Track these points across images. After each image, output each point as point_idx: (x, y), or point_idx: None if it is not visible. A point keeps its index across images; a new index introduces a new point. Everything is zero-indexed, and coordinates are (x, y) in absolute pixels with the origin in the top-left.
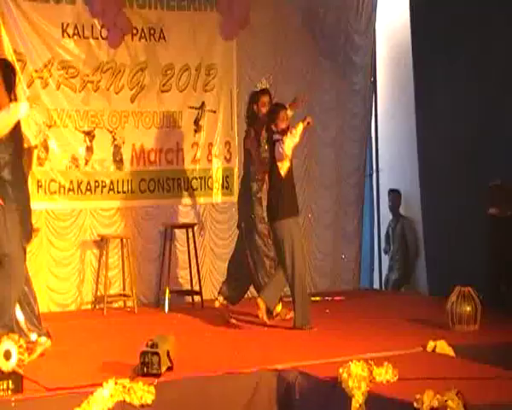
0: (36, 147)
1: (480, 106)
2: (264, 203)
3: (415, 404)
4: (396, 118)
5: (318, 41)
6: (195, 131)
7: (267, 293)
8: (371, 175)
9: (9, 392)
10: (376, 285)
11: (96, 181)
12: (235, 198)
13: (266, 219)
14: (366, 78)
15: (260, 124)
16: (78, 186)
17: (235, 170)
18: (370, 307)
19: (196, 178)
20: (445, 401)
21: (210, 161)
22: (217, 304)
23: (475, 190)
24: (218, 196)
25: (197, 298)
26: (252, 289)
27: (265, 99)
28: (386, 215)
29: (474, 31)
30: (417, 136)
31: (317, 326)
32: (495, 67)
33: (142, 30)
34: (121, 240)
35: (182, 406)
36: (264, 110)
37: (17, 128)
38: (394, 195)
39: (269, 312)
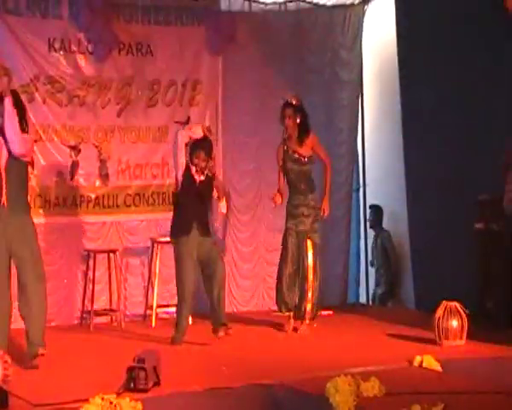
0: None
1: (467, 120)
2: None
3: None
4: (383, 132)
5: (305, 57)
6: None
7: None
8: (358, 190)
9: None
10: (363, 300)
11: (82, 196)
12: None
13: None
14: (353, 93)
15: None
16: (64, 201)
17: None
18: (357, 322)
19: None
20: None
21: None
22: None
23: (462, 204)
24: None
25: None
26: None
27: (287, 112)
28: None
29: (461, 46)
30: (404, 150)
31: (305, 341)
32: (482, 81)
33: (129, 45)
34: (107, 254)
35: None
36: (287, 122)
37: None
38: (374, 210)
39: None
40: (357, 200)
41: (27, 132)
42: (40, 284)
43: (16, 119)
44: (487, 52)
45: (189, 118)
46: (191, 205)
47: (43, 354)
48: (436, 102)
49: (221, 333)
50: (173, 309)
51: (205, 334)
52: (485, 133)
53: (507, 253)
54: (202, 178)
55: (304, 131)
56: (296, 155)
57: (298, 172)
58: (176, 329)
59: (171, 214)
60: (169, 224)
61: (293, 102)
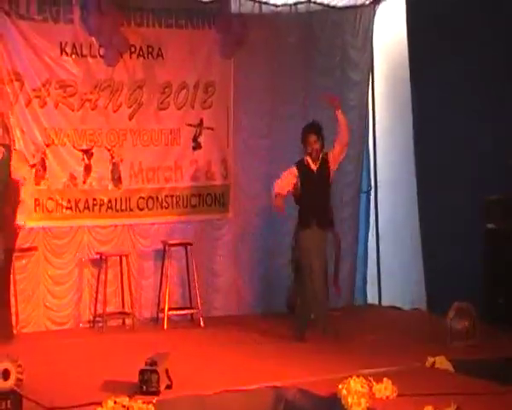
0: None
1: (478, 120)
2: None
3: None
4: (394, 133)
5: (315, 58)
6: (194, 148)
7: None
8: (369, 191)
9: None
10: (370, 301)
11: (94, 199)
12: (230, 215)
13: None
14: (363, 94)
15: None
16: (76, 204)
17: (231, 187)
18: (369, 324)
19: (195, 196)
20: None
21: (208, 178)
22: None
23: (474, 204)
24: (214, 214)
25: (196, 315)
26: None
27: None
28: (384, 231)
29: (472, 46)
30: (415, 151)
31: (314, 342)
32: (492, 80)
33: (140, 48)
34: (119, 258)
35: None
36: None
37: None
38: None
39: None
40: (368, 201)
41: None
42: None
43: None
44: (499, 51)
45: (201, 120)
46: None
47: None
48: (447, 102)
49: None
50: (185, 312)
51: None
52: (498, 133)
53: None
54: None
55: None
56: None
57: None
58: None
59: (183, 218)
60: (181, 227)
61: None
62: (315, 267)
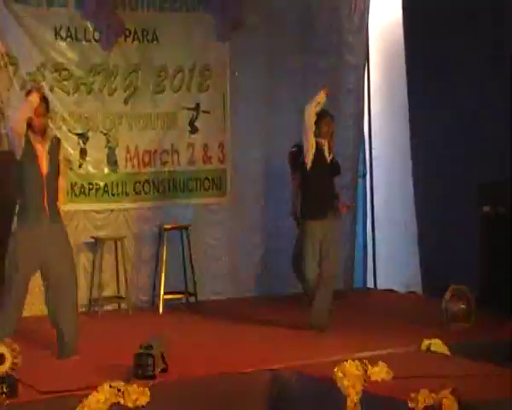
0: None
1: (474, 105)
2: None
3: (409, 403)
4: (389, 117)
5: (311, 41)
6: (191, 132)
7: None
8: (365, 175)
9: (4, 396)
10: (370, 284)
11: (91, 183)
12: (227, 199)
13: None
14: (359, 77)
15: None
16: (72, 188)
17: (228, 171)
18: (364, 307)
19: (192, 179)
20: (440, 399)
21: (205, 162)
22: None
23: (469, 188)
24: (211, 198)
25: (192, 299)
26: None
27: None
28: (380, 215)
29: (468, 30)
30: (411, 135)
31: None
32: (486, 65)
33: (135, 31)
34: (115, 242)
35: (177, 407)
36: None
37: None
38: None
39: None
40: (364, 186)
41: None
42: None
43: None
44: (498, 35)
45: (198, 104)
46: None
47: None
48: (442, 85)
49: None
50: (181, 296)
51: (214, 320)
52: (493, 117)
53: None
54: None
55: None
56: None
57: None
58: None
59: (180, 201)
60: (178, 211)
61: None
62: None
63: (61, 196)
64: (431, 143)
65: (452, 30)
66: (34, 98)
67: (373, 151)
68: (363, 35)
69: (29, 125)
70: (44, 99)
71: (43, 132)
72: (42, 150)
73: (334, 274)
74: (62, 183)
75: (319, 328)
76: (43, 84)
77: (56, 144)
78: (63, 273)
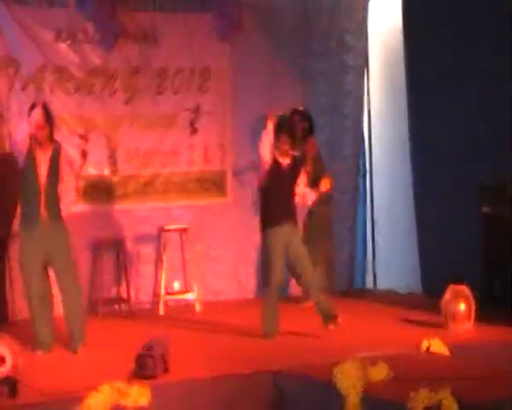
0: None
1: (474, 103)
2: None
3: (409, 403)
4: (389, 118)
5: (311, 42)
6: (191, 133)
7: None
8: (364, 175)
9: (5, 397)
10: (369, 285)
11: (91, 185)
12: (228, 200)
13: None
14: (359, 79)
15: None
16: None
17: (229, 172)
18: (364, 307)
19: (192, 181)
20: (440, 399)
21: (206, 163)
22: None
23: (468, 188)
24: (212, 199)
25: (192, 300)
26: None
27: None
28: (379, 215)
29: (468, 30)
30: (410, 136)
31: (310, 326)
32: (486, 66)
33: (135, 33)
34: (116, 243)
35: (177, 408)
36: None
37: None
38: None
39: None
40: (364, 186)
41: None
42: None
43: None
44: (497, 34)
45: (198, 105)
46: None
47: None
48: (442, 86)
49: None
50: (181, 297)
51: (214, 321)
52: (493, 117)
53: None
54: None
55: None
56: None
57: None
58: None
59: (181, 203)
60: (178, 212)
61: None
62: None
63: (72, 195)
64: (431, 144)
65: (451, 30)
66: (36, 114)
67: (373, 151)
68: (362, 36)
69: (32, 136)
70: (47, 110)
71: (45, 142)
72: (42, 158)
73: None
74: (71, 184)
75: (331, 317)
76: (44, 86)
77: (58, 151)
78: (62, 270)
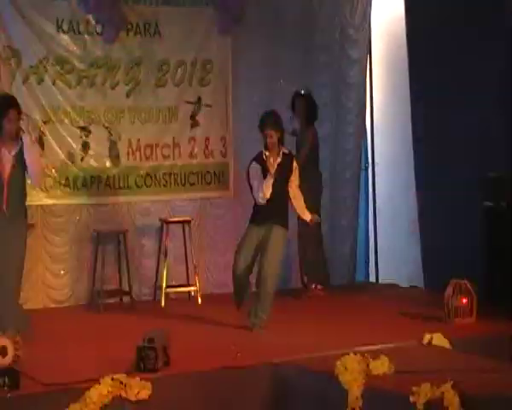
0: None
1: (476, 97)
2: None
3: (411, 397)
4: (392, 111)
5: (314, 35)
6: (192, 125)
7: None
8: (367, 169)
9: (6, 388)
10: (371, 279)
11: (92, 177)
12: (230, 193)
13: None
14: (361, 72)
15: None
16: (74, 182)
17: (231, 165)
18: (366, 301)
19: (193, 173)
20: (442, 393)
21: (207, 155)
22: None
23: (471, 182)
24: (213, 191)
25: (194, 292)
26: None
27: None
28: (381, 209)
29: (472, 25)
30: (413, 129)
31: (313, 320)
32: (492, 58)
33: (137, 25)
34: (117, 236)
35: (178, 401)
36: None
37: None
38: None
39: None
40: (366, 179)
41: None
42: None
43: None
44: (498, 27)
45: (199, 98)
46: None
47: None
48: (445, 79)
49: None
50: (183, 290)
51: (216, 313)
52: (496, 110)
53: None
54: (279, 160)
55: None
56: None
57: None
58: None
59: (182, 195)
60: (180, 204)
61: None
62: None
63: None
64: (433, 137)
65: (455, 24)
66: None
67: (375, 144)
68: (365, 29)
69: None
70: (17, 105)
71: (12, 137)
72: (6, 154)
73: (272, 273)
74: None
75: (257, 326)
76: (46, 78)
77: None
78: (7, 267)
